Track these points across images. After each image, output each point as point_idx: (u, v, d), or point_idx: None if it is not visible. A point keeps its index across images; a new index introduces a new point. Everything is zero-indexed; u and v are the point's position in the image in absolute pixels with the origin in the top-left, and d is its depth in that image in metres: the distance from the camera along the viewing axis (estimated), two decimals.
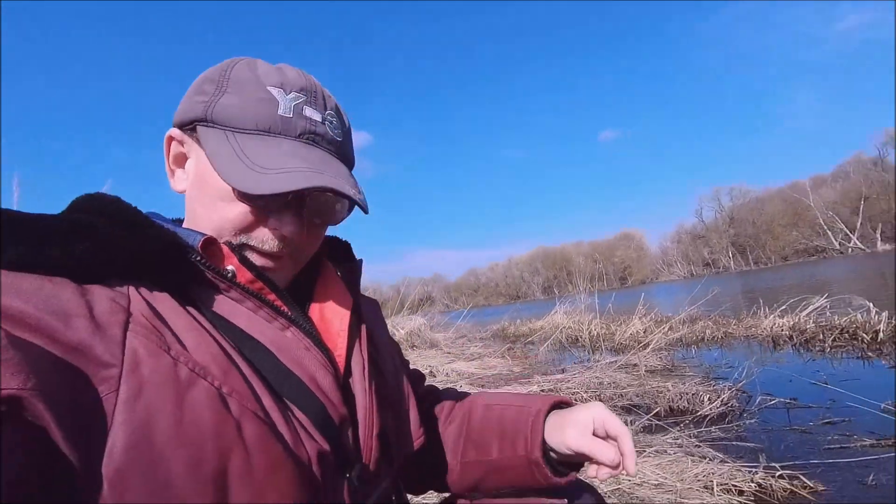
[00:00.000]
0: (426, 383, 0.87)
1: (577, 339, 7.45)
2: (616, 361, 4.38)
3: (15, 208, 0.43)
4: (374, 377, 0.58)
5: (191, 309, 0.47)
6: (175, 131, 0.57)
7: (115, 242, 0.44)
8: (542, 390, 3.71)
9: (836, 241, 57.89)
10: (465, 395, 0.85)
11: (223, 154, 0.52)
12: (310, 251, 0.60)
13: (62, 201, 0.49)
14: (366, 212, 0.56)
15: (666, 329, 5.55)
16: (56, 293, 0.39)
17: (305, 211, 0.56)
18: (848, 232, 57.01)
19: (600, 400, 3.44)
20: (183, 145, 0.57)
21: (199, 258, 0.49)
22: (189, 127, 0.56)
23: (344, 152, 0.59)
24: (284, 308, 0.53)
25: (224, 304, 0.50)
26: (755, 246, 66.34)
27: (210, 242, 0.51)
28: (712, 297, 6.49)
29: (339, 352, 0.56)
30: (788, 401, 2.91)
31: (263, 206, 0.54)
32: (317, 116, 0.56)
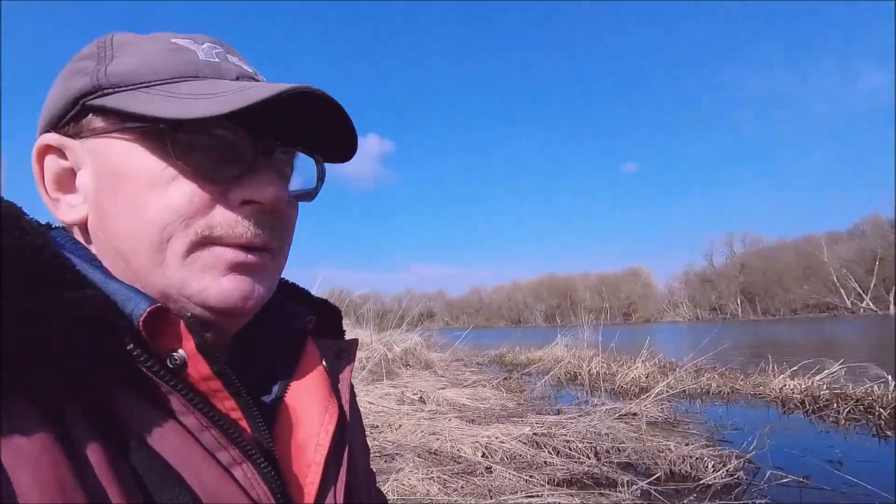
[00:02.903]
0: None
1: (577, 375, 7.22)
2: (616, 409, 4.16)
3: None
4: None
5: (78, 439, 0.29)
6: (50, 136, 0.39)
7: (15, 326, 0.27)
8: (535, 433, 3.50)
9: (849, 299, 56.90)
10: None
11: (146, 103, 0.36)
12: (290, 235, 0.44)
13: None
14: (354, 150, 0.44)
15: (670, 380, 5.32)
16: None
17: (275, 163, 0.41)
18: (861, 291, 56.05)
19: (595, 454, 3.23)
20: (66, 155, 0.39)
21: (133, 347, 0.31)
22: (71, 118, 0.39)
23: None
24: (244, 426, 0.36)
25: (152, 419, 0.33)
26: (764, 296, 65.35)
27: (158, 313, 0.34)
28: (720, 350, 6.26)
29: (306, 496, 0.39)
30: (801, 479, 2.69)
31: (218, 171, 0.37)
32: (247, 67, 0.43)
